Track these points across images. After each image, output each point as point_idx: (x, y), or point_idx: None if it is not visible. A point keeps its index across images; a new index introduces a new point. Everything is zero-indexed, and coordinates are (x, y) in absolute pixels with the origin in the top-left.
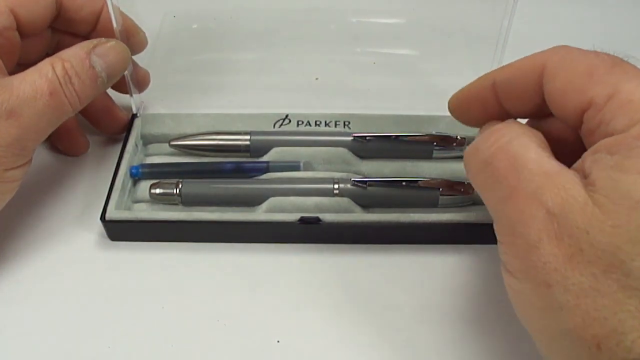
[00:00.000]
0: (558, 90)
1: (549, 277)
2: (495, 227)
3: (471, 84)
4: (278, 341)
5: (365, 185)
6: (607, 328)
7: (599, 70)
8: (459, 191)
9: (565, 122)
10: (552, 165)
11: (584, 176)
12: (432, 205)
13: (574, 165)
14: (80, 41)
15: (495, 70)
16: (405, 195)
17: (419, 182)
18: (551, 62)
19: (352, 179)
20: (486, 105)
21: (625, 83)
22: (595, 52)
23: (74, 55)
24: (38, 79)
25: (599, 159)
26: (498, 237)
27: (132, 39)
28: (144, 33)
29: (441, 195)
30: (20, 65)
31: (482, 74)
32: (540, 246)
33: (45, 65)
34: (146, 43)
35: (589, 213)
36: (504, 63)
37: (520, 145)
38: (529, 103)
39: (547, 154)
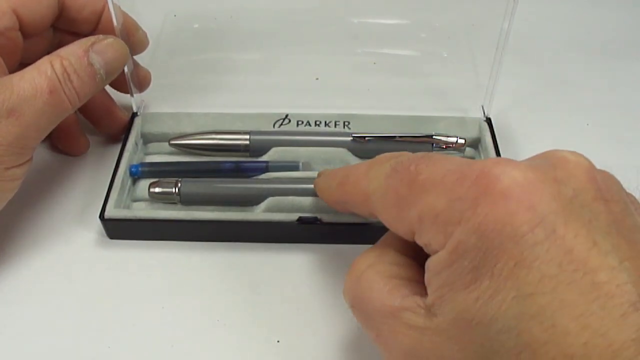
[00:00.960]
0: (387, 224)
1: None
2: None
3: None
4: (278, 341)
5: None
6: None
7: (401, 194)
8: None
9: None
10: (394, 300)
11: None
12: None
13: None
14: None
15: (337, 187)
16: None
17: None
18: (372, 196)
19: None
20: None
21: (425, 199)
22: (395, 169)
23: (72, 52)
24: (37, 77)
25: (431, 280)
26: None
27: (132, 37)
28: (145, 32)
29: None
30: (22, 65)
31: (482, 74)
32: None
33: (44, 63)
34: (147, 43)
35: (438, 344)
36: (504, 64)
37: (366, 285)
38: None
39: (391, 285)
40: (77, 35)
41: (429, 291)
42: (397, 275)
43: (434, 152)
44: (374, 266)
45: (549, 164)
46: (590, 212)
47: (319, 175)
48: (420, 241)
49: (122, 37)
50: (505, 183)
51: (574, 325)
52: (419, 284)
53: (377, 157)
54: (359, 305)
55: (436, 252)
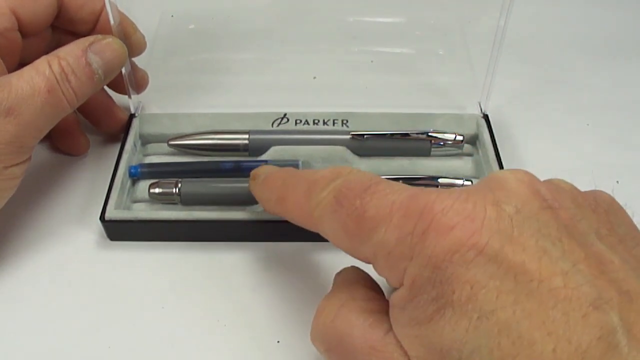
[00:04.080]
0: (339, 248)
1: None
2: None
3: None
4: (278, 341)
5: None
6: None
7: (350, 230)
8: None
9: None
10: (377, 334)
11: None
12: None
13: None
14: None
15: (277, 202)
16: None
17: (418, 179)
18: (317, 221)
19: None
20: None
21: (375, 236)
22: (339, 202)
23: (70, 52)
24: (35, 76)
25: (396, 318)
26: None
27: (130, 39)
28: (142, 34)
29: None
30: (21, 65)
31: (478, 71)
32: None
33: (42, 63)
34: (145, 45)
35: None
36: (501, 61)
37: (343, 324)
38: None
39: (371, 320)
40: (76, 35)
41: (396, 330)
42: (372, 310)
43: (372, 176)
44: (347, 305)
45: (487, 188)
46: (538, 222)
47: (252, 177)
48: (378, 273)
49: (119, 36)
50: (449, 215)
51: (538, 334)
52: None
53: (313, 177)
54: (336, 348)
55: (395, 287)
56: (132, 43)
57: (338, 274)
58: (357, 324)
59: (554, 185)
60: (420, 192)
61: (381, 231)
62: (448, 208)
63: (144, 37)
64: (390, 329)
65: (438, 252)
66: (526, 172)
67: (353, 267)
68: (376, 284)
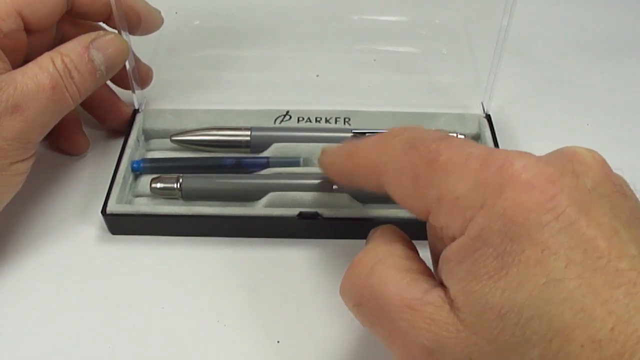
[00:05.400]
0: (397, 198)
1: None
2: None
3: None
4: (278, 341)
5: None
6: None
7: (420, 171)
8: None
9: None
10: (415, 293)
11: (445, 292)
12: None
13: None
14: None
15: (345, 159)
16: None
17: None
18: (384, 168)
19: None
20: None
21: (445, 179)
22: (413, 145)
23: (72, 49)
24: (39, 73)
25: (451, 271)
26: None
27: (146, 22)
28: (159, 11)
29: None
30: (25, 61)
31: (481, 71)
32: None
33: (45, 60)
34: (162, 21)
35: (464, 339)
36: (503, 61)
37: (380, 279)
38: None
39: (408, 278)
40: (83, 28)
41: (449, 284)
42: (410, 269)
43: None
44: (385, 261)
45: (566, 158)
46: (611, 203)
47: (322, 152)
48: (435, 222)
49: (122, 25)
50: (531, 173)
51: (600, 310)
52: (433, 279)
53: (388, 130)
54: (369, 302)
55: (453, 237)
56: (151, 23)
57: (375, 230)
58: (394, 281)
59: (618, 175)
60: (498, 149)
61: (453, 176)
62: (530, 166)
63: (159, 12)
64: (429, 289)
65: (515, 207)
66: (598, 153)
67: (391, 225)
68: (413, 244)
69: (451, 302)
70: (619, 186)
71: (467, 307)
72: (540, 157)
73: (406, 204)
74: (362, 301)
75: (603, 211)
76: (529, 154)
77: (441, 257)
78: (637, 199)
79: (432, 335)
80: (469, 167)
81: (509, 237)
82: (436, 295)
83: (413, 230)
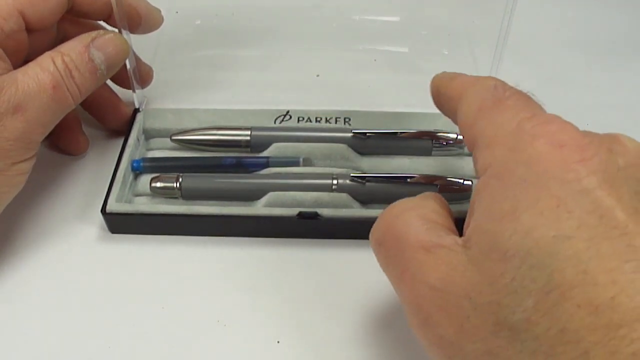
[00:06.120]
0: (460, 124)
1: (447, 351)
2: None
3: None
4: (278, 341)
5: (363, 182)
6: None
7: (485, 105)
8: (456, 189)
9: None
10: (431, 237)
11: (463, 239)
12: None
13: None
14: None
15: (450, 80)
16: (403, 191)
17: (417, 177)
18: (464, 94)
19: (351, 175)
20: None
21: (496, 118)
22: (496, 86)
23: (72, 48)
24: (40, 72)
25: (473, 205)
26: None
27: (146, 21)
28: (159, 10)
29: (439, 192)
30: (26, 60)
31: (481, 71)
32: (432, 322)
33: (45, 59)
34: (162, 20)
35: (469, 277)
36: (504, 61)
37: (403, 222)
38: None
39: (429, 226)
40: (83, 27)
41: (470, 222)
42: (435, 221)
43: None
44: (414, 209)
45: (607, 137)
46: (637, 186)
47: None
48: (473, 154)
49: (122, 24)
50: (568, 135)
51: (603, 277)
52: (455, 234)
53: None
54: (389, 241)
55: (484, 172)
56: (152, 22)
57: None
58: (415, 226)
59: None
60: (548, 113)
61: (503, 116)
62: (568, 130)
63: (159, 11)
64: (447, 235)
65: (541, 157)
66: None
67: (436, 193)
68: (450, 209)
69: (465, 242)
70: None
71: (477, 245)
72: (581, 130)
73: (463, 132)
74: (384, 240)
75: (627, 190)
76: (573, 125)
77: (473, 190)
78: None
79: (440, 274)
80: (519, 114)
81: (529, 182)
82: (452, 240)
83: None
